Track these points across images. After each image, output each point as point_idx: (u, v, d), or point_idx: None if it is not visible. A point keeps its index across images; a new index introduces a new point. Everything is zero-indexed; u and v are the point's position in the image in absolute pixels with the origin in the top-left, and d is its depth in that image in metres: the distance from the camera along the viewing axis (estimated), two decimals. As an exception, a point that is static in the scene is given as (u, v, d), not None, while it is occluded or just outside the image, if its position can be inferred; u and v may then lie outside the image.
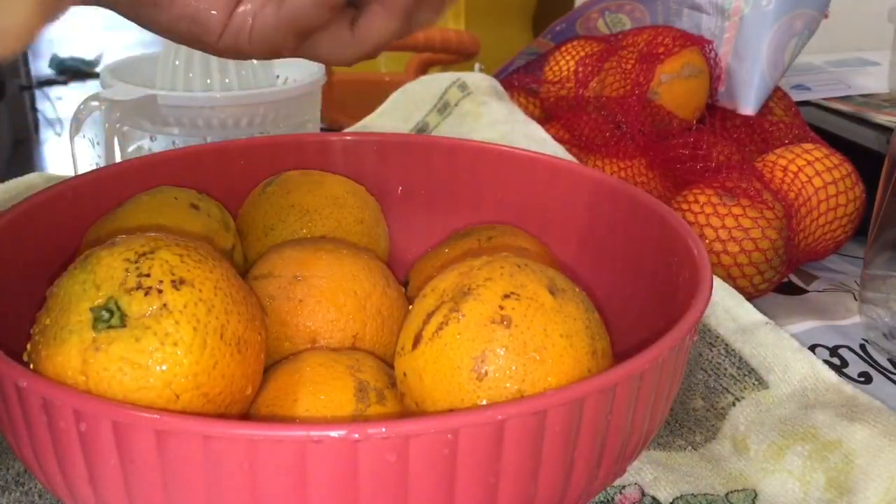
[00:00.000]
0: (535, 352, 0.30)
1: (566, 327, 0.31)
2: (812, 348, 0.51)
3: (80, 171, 0.51)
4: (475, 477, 0.27)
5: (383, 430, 0.25)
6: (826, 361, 0.48)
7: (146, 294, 0.29)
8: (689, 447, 0.42)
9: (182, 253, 0.31)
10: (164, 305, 0.29)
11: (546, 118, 0.70)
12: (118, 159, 0.60)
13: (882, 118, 0.73)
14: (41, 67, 3.08)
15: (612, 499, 0.38)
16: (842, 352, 0.51)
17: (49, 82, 3.00)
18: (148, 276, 0.30)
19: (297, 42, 0.35)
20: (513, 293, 0.31)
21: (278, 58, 0.36)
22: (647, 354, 0.29)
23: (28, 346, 0.30)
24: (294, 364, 0.34)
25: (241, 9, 0.34)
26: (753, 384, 0.44)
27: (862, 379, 0.49)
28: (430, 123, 0.68)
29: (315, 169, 0.47)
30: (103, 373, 0.28)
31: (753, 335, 0.46)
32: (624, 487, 0.39)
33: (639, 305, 0.40)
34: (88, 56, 3.15)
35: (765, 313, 0.47)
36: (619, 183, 0.43)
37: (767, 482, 0.39)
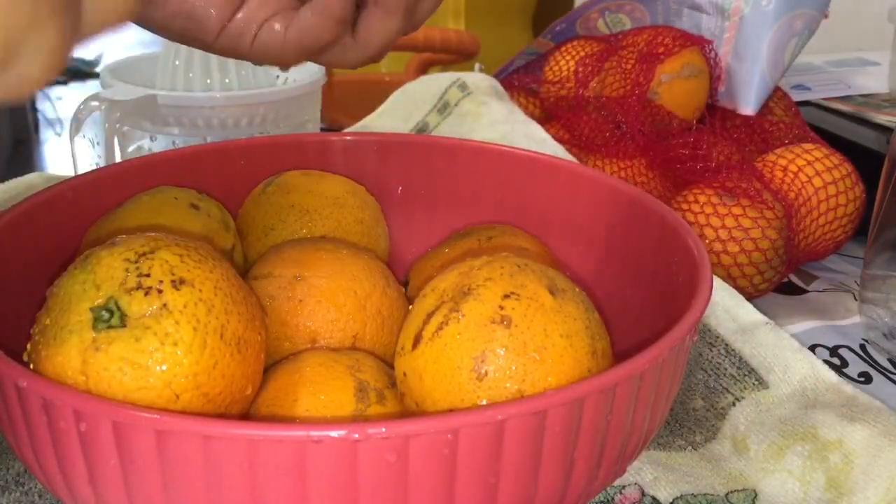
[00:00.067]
0: (535, 352, 0.30)
1: (566, 327, 0.31)
2: (812, 348, 0.51)
3: (80, 171, 0.51)
4: (475, 477, 0.27)
5: (383, 430, 0.25)
6: (826, 361, 0.48)
7: (146, 294, 0.29)
8: (689, 447, 0.42)
9: (182, 253, 0.31)
10: (164, 305, 0.29)
11: (546, 118, 0.70)
12: (118, 159, 0.60)
13: (882, 118, 0.73)
14: (41, 67, 3.07)
15: (612, 499, 0.38)
16: (842, 352, 0.51)
17: (49, 82, 3.00)
18: (148, 276, 0.30)
19: (302, 59, 0.35)
20: (513, 293, 0.31)
21: (279, 67, 0.36)
22: (647, 354, 0.29)
23: (28, 346, 0.30)
24: (294, 364, 0.34)
25: (241, 14, 0.34)
26: (753, 384, 0.44)
27: (862, 379, 0.49)
28: (430, 123, 0.68)
29: (315, 169, 0.47)
30: (103, 373, 0.28)
31: (753, 335, 0.46)
32: (624, 487, 0.39)
33: (639, 305, 0.40)
34: (88, 56, 3.15)
35: (765, 313, 0.47)
36: (619, 183, 0.43)
37: (767, 482, 0.39)
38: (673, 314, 0.32)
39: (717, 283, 0.48)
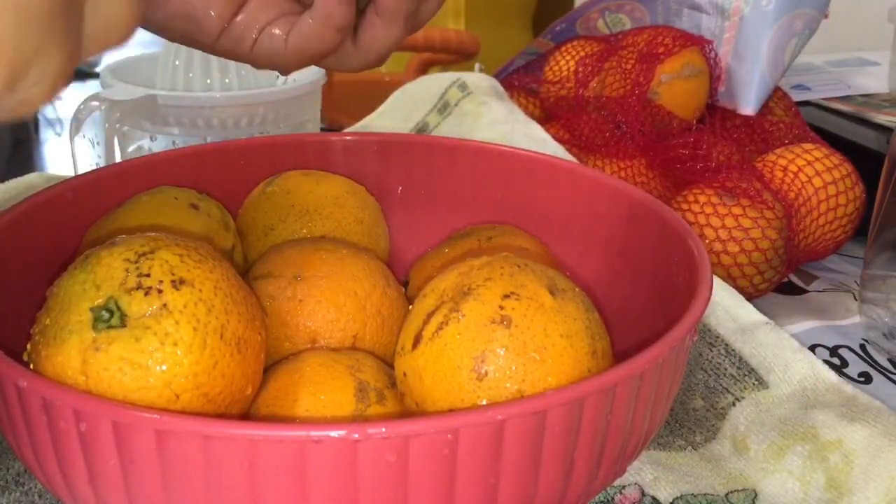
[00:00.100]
0: (535, 352, 0.30)
1: (566, 327, 0.31)
2: (812, 348, 0.51)
3: (80, 171, 0.51)
4: (475, 477, 0.27)
5: (383, 430, 0.25)
6: (826, 361, 0.48)
7: (146, 294, 0.29)
8: (689, 447, 0.42)
9: (182, 253, 0.31)
10: (164, 305, 0.29)
11: (546, 118, 0.70)
12: (118, 159, 0.60)
13: (882, 118, 0.73)
14: (41, 67, 3.07)
15: (612, 499, 0.38)
16: (842, 352, 0.51)
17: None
18: (148, 276, 0.30)
19: (303, 64, 0.35)
20: (513, 293, 0.31)
21: (279, 72, 0.36)
22: (647, 354, 0.29)
23: (28, 346, 0.30)
24: (294, 364, 0.34)
25: (242, 17, 0.34)
26: (753, 384, 0.44)
27: (862, 379, 0.49)
28: (430, 123, 0.68)
29: (315, 169, 0.47)
30: (103, 373, 0.28)
31: (753, 335, 0.46)
32: (624, 487, 0.39)
33: (639, 305, 0.40)
34: (88, 56, 3.14)
35: (765, 313, 0.47)
36: (619, 183, 0.43)
37: (767, 482, 0.39)
38: (673, 314, 0.32)
39: (717, 283, 0.48)
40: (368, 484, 0.26)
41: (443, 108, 0.68)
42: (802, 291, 0.58)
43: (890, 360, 0.51)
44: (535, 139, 0.62)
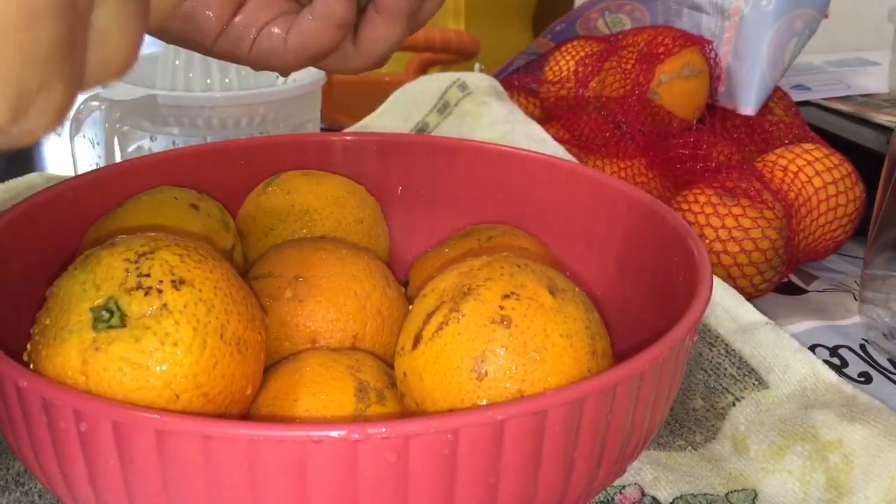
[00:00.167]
0: (535, 352, 0.30)
1: (566, 327, 0.31)
2: (812, 348, 0.51)
3: (80, 171, 0.51)
4: (475, 477, 0.27)
5: (383, 430, 0.25)
6: (826, 361, 0.48)
7: (146, 294, 0.29)
8: (689, 447, 0.42)
9: (182, 253, 0.31)
10: (164, 305, 0.29)
11: (546, 118, 0.70)
12: (118, 159, 0.60)
13: (882, 118, 0.73)
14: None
15: (612, 499, 0.38)
16: (842, 352, 0.51)
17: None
18: (148, 276, 0.30)
19: (302, 64, 0.34)
20: (513, 293, 0.31)
21: (279, 73, 0.36)
22: (647, 354, 0.29)
23: (28, 346, 0.30)
24: (294, 364, 0.34)
25: (240, 17, 0.33)
26: (753, 384, 0.44)
27: (862, 379, 0.49)
28: (430, 123, 0.68)
29: (315, 169, 0.47)
30: (103, 373, 0.28)
31: (753, 335, 0.46)
32: (624, 487, 0.39)
33: (639, 305, 0.40)
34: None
35: (765, 313, 0.47)
36: (619, 183, 0.43)
37: (767, 482, 0.39)
38: (673, 314, 0.32)
39: (717, 283, 0.48)
40: (368, 484, 0.26)
41: (443, 108, 0.68)
42: (802, 291, 0.58)
43: (890, 360, 0.51)
44: (535, 139, 0.62)
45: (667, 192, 0.61)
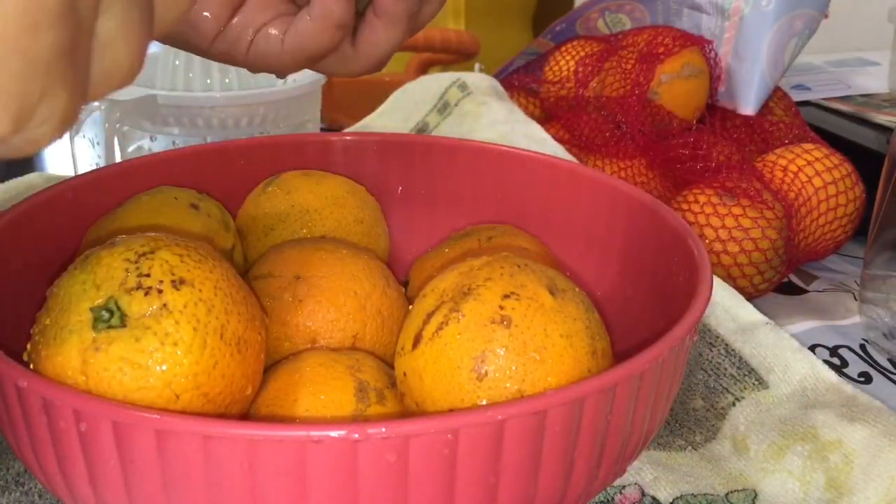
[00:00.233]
0: (535, 352, 0.30)
1: (566, 327, 0.31)
2: (812, 348, 0.51)
3: (80, 171, 0.51)
4: (475, 477, 0.27)
5: (383, 430, 0.25)
6: (826, 361, 0.48)
7: (146, 294, 0.29)
8: (689, 447, 0.42)
9: (182, 253, 0.31)
10: (164, 305, 0.29)
11: (546, 118, 0.70)
12: (118, 159, 0.60)
13: (882, 118, 0.73)
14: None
15: (612, 499, 0.38)
16: (842, 352, 0.51)
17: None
18: (148, 276, 0.30)
19: (300, 66, 0.34)
20: (513, 293, 0.31)
21: (276, 74, 0.35)
22: (647, 354, 0.29)
23: (28, 346, 0.30)
24: (294, 364, 0.34)
25: (238, 19, 0.33)
26: (753, 384, 0.44)
27: (862, 379, 0.49)
28: (430, 123, 0.68)
29: (315, 169, 0.47)
30: (103, 373, 0.28)
31: (753, 335, 0.46)
32: (624, 487, 0.39)
33: (639, 305, 0.40)
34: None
35: (765, 313, 0.47)
36: (620, 183, 0.43)
37: (767, 482, 0.39)
38: (673, 314, 0.32)
39: (717, 283, 0.48)
40: (368, 484, 0.26)
41: (443, 108, 0.68)
42: (802, 291, 0.58)
43: (890, 360, 0.51)
44: (535, 139, 0.62)
45: (667, 192, 0.61)
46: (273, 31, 0.33)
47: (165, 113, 0.61)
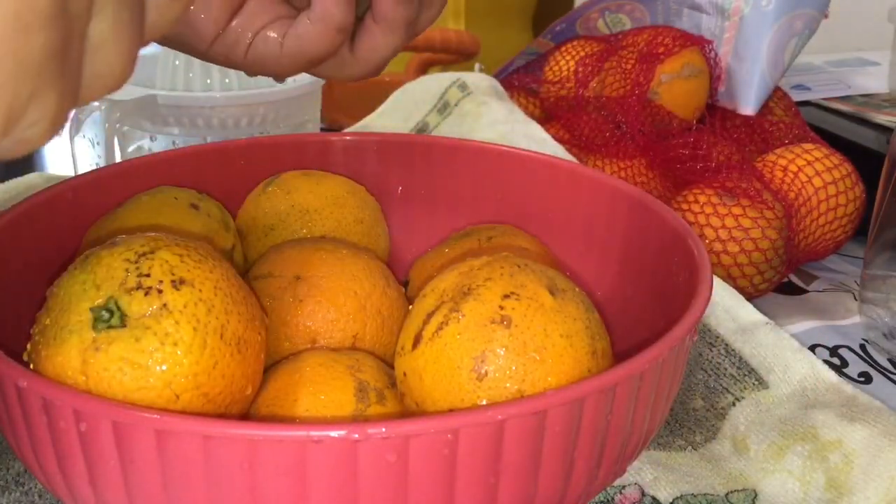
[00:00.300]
0: (535, 352, 0.30)
1: (566, 327, 0.31)
2: (812, 348, 0.51)
3: (80, 171, 0.51)
4: (475, 477, 0.27)
5: (383, 430, 0.25)
6: (826, 361, 0.48)
7: (146, 294, 0.29)
8: (689, 447, 0.42)
9: (182, 253, 0.31)
10: (164, 305, 0.29)
11: (546, 118, 0.70)
12: (118, 159, 0.60)
13: (882, 118, 0.73)
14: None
15: (612, 499, 0.38)
16: (842, 352, 0.51)
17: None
18: (148, 276, 0.30)
19: (298, 69, 0.34)
20: (513, 293, 0.31)
21: (274, 78, 0.35)
22: (647, 354, 0.29)
23: (28, 346, 0.30)
24: (294, 364, 0.34)
25: (237, 21, 0.33)
26: (753, 384, 0.44)
27: (862, 379, 0.49)
28: (430, 123, 0.68)
29: (315, 169, 0.47)
30: (103, 373, 0.28)
31: (753, 335, 0.46)
32: (624, 487, 0.39)
33: (639, 305, 0.40)
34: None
35: (765, 313, 0.47)
36: (620, 183, 0.43)
37: (767, 482, 0.39)
38: (673, 314, 0.32)
39: (717, 283, 0.48)
40: (368, 484, 0.26)
41: (443, 108, 0.68)
42: (802, 291, 0.58)
43: (890, 360, 0.51)
44: (535, 139, 0.62)
45: (667, 192, 0.61)
46: (272, 34, 0.33)
47: (165, 113, 0.61)
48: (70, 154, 0.61)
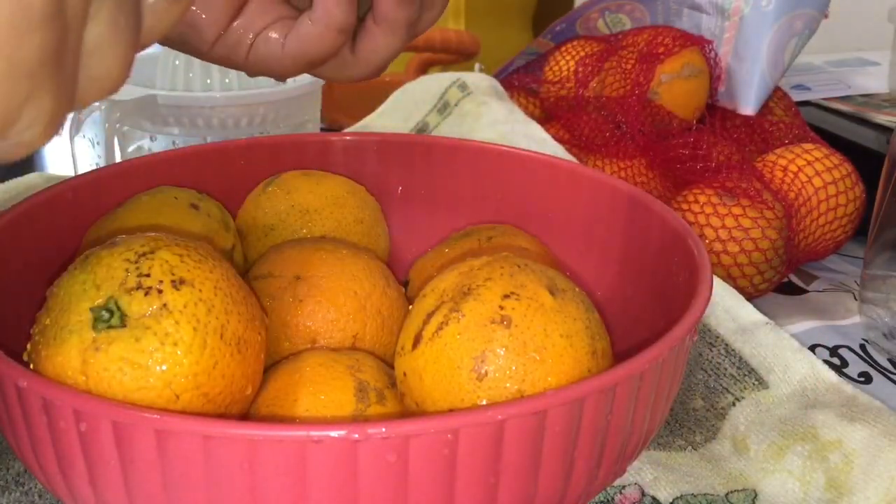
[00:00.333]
0: (535, 352, 0.30)
1: (566, 327, 0.31)
2: (812, 348, 0.51)
3: (80, 171, 0.51)
4: (475, 477, 0.27)
5: (383, 430, 0.25)
6: (826, 361, 0.48)
7: (146, 294, 0.29)
8: (689, 447, 0.42)
9: (182, 253, 0.31)
10: (164, 305, 0.29)
11: (546, 118, 0.70)
12: (118, 159, 0.60)
13: (882, 118, 0.73)
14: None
15: (612, 499, 0.38)
16: (842, 352, 0.51)
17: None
18: (148, 276, 0.30)
19: (299, 70, 0.34)
20: (513, 293, 0.31)
21: (275, 78, 0.35)
22: (647, 354, 0.29)
23: (28, 346, 0.30)
24: (294, 364, 0.34)
25: (239, 22, 0.33)
26: (753, 384, 0.44)
27: (862, 379, 0.49)
28: (430, 123, 0.68)
29: (315, 169, 0.47)
30: (103, 373, 0.28)
31: (753, 335, 0.46)
32: (624, 487, 0.39)
33: (639, 305, 0.40)
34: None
35: (765, 313, 0.47)
36: (620, 183, 0.43)
37: (767, 482, 0.39)
38: (673, 314, 0.32)
39: (717, 283, 0.48)
40: (368, 484, 0.26)
41: (443, 108, 0.68)
42: (802, 291, 0.58)
43: (890, 360, 0.51)
44: (535, 139, 0.62)
45: (667, 192, 0.61)
46: (273, 35, 0.33)
47: (165, 113, 0.61)
48: (70, 154, 0.61)
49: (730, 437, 0.42)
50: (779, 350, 0.45)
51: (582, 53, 0.69)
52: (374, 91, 0.76)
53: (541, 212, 0.46)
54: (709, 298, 0.33)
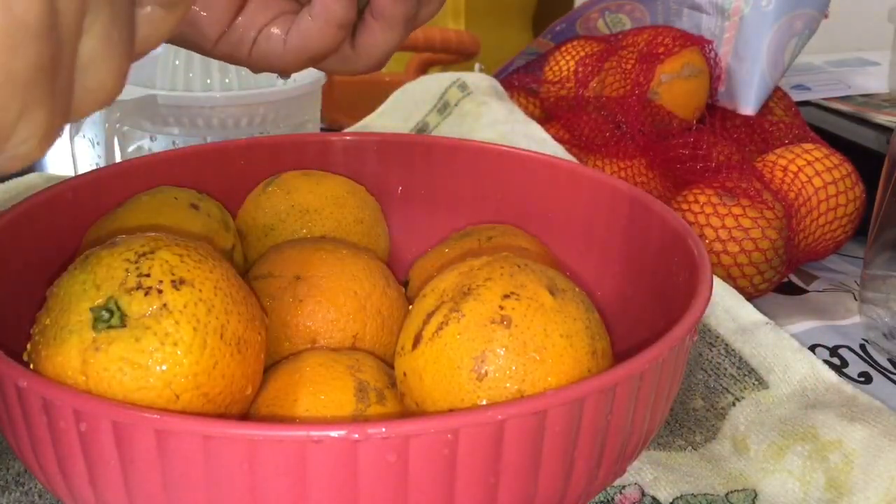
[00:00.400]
0: (535, 352, 0.30)
1: (566, 327, 0.31)
2: (812, 348, 0.51)
3: (80, 171, 0.51)
4: (475, 477, 0.27)
5: (383, 430, 0.25)
6: (826, 361, 0.48)
7: (146, 294, 0.29)
8: (689, 447, 0.42)
9: (182, 253, 0.31)
10: (164, 305, 0.29)
11: (546, 118, 0.70)
12: (118, 159, 0.60)
13: (882, 118, 0.73)
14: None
15: (612, 499, 0.38)
16: (842, 352, 0.51)
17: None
18: (148, 276, 0.30)
19: (302, 66, 0.34)
20: (513, 293, 0.31)
21: (278, 74, 0.35)
22: (647, 354, 0.29)
23: (28, 346, 0.30)
24: (294, 364, 0.34)
25: (241, 19, 0.33)
26: (753, 384, 0.44)
27: (862, 379, 0.49)
28: (430, 123, 0.68)
29: (315, 169, 0.47)
30: (103, 373, 0.28)
31: (753, 335, 0.46)
32: (624, 487, 0.39)
33: (639, 305, 0.40)
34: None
35: (765, 313, 0.47)
36: (620, 183, 0.43)
37: (767, 482, 0.39)
38: (673, 314, 0.32)
39: (717, 283, 0.48)
40: (368, 484, 0.26)
41: (443, 108, 0.68)
42: (802, 291, 0.58)
43: (890, 360, 0.51)
44: (535, 139, 0.62)
45: (667, 192, 0.61)
46: (275, 31, 0.33)
47: (165, 113, 0.61)
48: (70, 154, 0.61)
49: (730, 437, 0.42)
50: (779, 350, 0.45)
51: (582, 53, 0.69)
52: (374, 91, 0.76)
53: (541, 212, 0.46)
54: (709, 298, 0.33)
